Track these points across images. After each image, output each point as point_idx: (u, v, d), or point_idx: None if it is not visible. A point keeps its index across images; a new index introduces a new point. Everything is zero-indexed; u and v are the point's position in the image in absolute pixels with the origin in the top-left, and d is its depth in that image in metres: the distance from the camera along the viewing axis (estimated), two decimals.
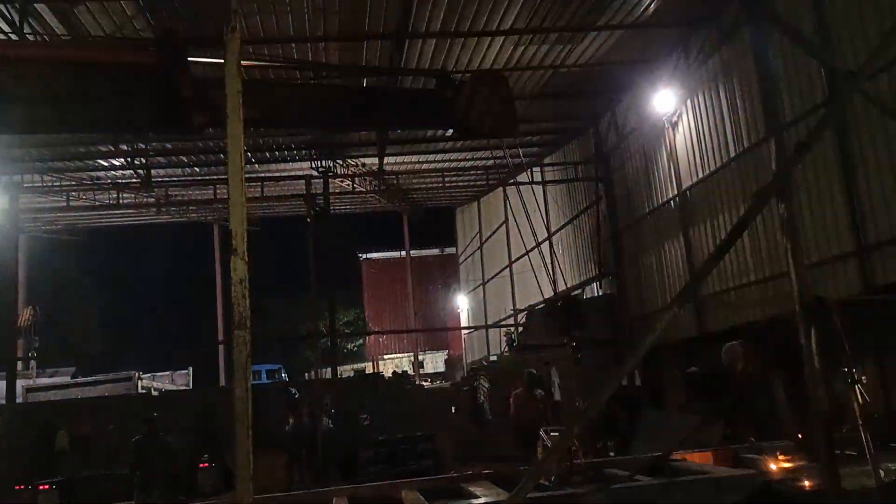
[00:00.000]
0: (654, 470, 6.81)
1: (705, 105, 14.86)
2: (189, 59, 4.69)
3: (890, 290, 9.93)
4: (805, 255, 7.88)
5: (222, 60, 4.23)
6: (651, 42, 15.29)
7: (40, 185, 19.96)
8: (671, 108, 15.89)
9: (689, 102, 15.42)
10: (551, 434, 6.97)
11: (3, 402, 18.99)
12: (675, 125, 16.04)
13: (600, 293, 20.53)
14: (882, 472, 4.77)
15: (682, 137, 15.79)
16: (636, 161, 18.20)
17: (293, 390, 13.17)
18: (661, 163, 16.75)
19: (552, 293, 23.16)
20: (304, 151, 20.27)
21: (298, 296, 36.44)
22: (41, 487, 14.51)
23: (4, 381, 19.23)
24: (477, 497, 6.02)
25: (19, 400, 19.53)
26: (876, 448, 5.38)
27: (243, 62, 4.30)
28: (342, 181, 22.13)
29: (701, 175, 15.03)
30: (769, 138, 12.22)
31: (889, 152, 9.96)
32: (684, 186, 15.69)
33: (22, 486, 14.83)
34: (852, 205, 10.71)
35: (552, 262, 23.35)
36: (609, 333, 19.22)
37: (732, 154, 13.84)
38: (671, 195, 16.29)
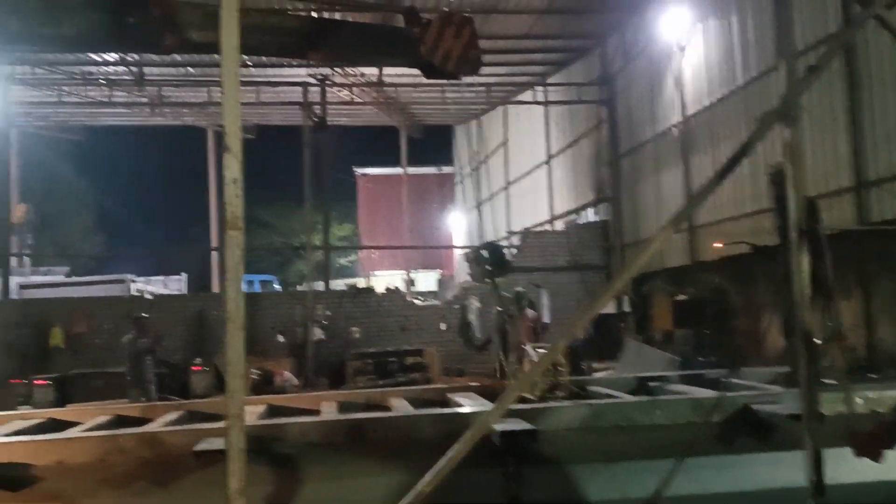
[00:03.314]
0: (636, 391, 7.00)
1: (715, 30, 14.49)
2: None
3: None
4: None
5: None
6: None
7: (31, 76, 19.47)
8: (681, 31, 15.48)
9: (699, 26, 15.02)
10: (538, 350, 7.10)
11: None
12: (683, 49, 15.65)
13: (596, 219, 20.53)
14: (861, 401, 4.89)
15: (690, 63, 15.46)
16: (641, 85, 17.86)
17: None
18: (667, 88, 16.44)
19: (549, 216, 23.20)
20: None
21: (293, 207, 36.32)
22: (37, 382, 14.80)
23: None
24: (462, 406, 6.16)
25: (13, 296, 19.69)
26: (856, 377, 5.52)
27: None
28: (340, 90, 21.65)
29: (706, 103, 14.79)
30: (778, 66, 12.07)
31: None
32: (688, 113, 15.46)
33: (18, 381, 15.12)
34: (855, 139, 10.61)
35: (550, 186, 23.29)
36: (601, 259, 19.38)
37: (740, 82, 13.59)
38: (674, 122, 16.07)
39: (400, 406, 6.43)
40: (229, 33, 4.54)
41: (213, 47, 5.10)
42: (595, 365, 13.57)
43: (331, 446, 4.91)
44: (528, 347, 7.27)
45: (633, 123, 18.26)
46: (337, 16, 15.85)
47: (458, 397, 6.72)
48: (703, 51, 14.96)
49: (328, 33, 5.80)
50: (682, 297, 14.11)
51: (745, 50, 13.42)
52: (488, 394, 6.83)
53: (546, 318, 16.03)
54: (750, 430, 4.44)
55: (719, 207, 13.71)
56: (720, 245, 13.21)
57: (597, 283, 18.50)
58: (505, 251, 8.95)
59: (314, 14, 14.30)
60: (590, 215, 21.10)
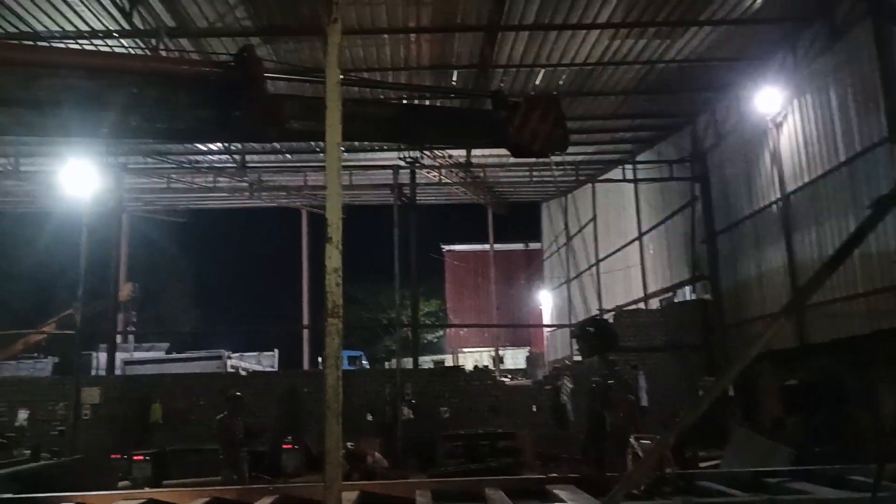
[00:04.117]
0: (749, 487, 6.48)
1: (813, 105, 14.08)
2: (266, 75, 4.92)
3: None
4: None
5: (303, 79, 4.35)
6: (755, 38, 14.64)
7: (143, 166, 20.86)
8: (776, 107, 15.15)
9: (795, 102, 14.66)
10: (641, 441, 6.73)
11: (104, 373, 20.05)
12: (779, 126, 15.27)
13: (692, 297, 19.83)
14: None
15: (787, 139, 15.03)
16: (735, 162, 17.45)
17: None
18: (763, 165, 15.99)
19: (642, 294, 22.59)
20: (392, 142, 20.43)
21: (380, 284, 36.94)
22: (136, 458, 15.21)
23: (105, 354, 20.28)
24: (563, 501, 5.84)
25: (118, 372, 20.55)
26: None
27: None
28: (429, 172, 22.18)
29: (806, 179, 14.26)
30: (885, 142, 11.55)
31: None
32: (788, 190, 14.92)
33: (118, 456, 15.58)
34: None
35: (642, 263, 22.77)
36: (700, 339, 18.58)
37: (842, 158, 13.05)
38: (773, 199, 15.54)
39: (497, 498, 6.17)
40: (332, 135, 4.69)
41: (313, 135, 5.32)
42: (701, 454, 12.79)
43: None
44: (631, 438, 6.90)
45: (729, 200, 17.77)
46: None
47: (557, 489, 6.41)
48: (800, 126, 14.53)
49: (419, 119, 5.99)
50: (792, 382, 13.25)
51: (847, 125, 12.94)
52: (589, 485, 6.49)
53: (644, 402, 15.37)
54: None
55: (829, 287, 12.98)
56: None
57: (696, 365, 17.70)
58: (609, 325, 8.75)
59: (405, 100, 15.00)
60: (686, 294, 20.41)
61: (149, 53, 13.09)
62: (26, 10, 12.83)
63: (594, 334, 8.76)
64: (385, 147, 20.59)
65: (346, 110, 5.06)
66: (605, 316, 23.79)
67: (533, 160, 22.74)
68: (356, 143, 20.00)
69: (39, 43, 12.94)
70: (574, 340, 9.14)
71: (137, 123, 4.86)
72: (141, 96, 4.69)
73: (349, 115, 5.31)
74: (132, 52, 13.51)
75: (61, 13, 12.95)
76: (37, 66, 4.56)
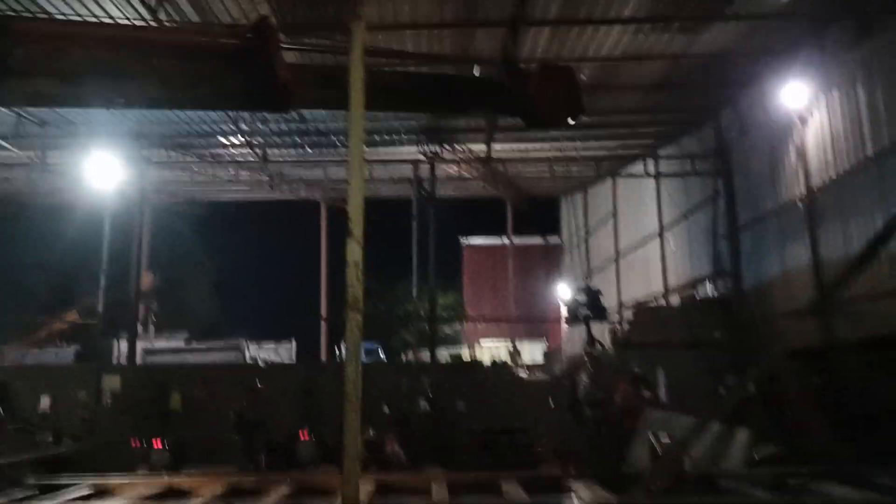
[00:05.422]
0: (771, 487, 6.39)
1: (840, 100, 13.86)
2: (280, 44, 4.97)
3: None
4: None
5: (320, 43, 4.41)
6: (782, 33, 14.39)
7: (166, 160, 21.03)
8: (801, 102, 14.92)
9: (821, 97, 14.44)
10: (661, 438, 6.67)
11: (125, 362, 20.28)
12: (804, 121, 15.05)
13: (714, 293, 19.62)
14: None
15: (813, 134, 14.81)
16: (759, 157, 17.22)
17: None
18: (788, 160, 15.77)
19: (662, 289, 22.41)
20: (412, 136, 20.40)
21: (397, 276, 36.94)
22: (155, 445, 15.39)
23: (126, 342, 20.50)
24: (580, 497, 5.81)
25: (138, 361, 20.76)
26: None
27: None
28: (448, 166, 22.13)
29: (833, 175, 14.05)
30: None
31: None
32: (813, 185, 14.71)
33: (138, 442, 15.77)
34: None
35: (663, 258, 22.57)
36: (722, 336, 18.35)
37: (870, 153, 12.85)
38: (798, 195, 15.32)
39: (513, 491, 6.16)
40: (355, 131, 4.68)
41: (331, 102, 5.31)
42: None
43: None
44: (650, 435, 6.84)
45: (753, 196, 17.55)
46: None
47: (574, 485, 6.37)
48: (827, 121, 14.31)
49: (436, 89, 5.99)
50: (816, 381, 13.04)
51: (876, 120, 12.72)
52: (607, 481, 6.45)
53: (663, 398, 15.23)
54: None
55: (855, 285, 12.75)
56: None
57: (718, 362, 17.49)
58: (601, 298, 8.67)
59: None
60: (707, 290, 20.20)
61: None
62: (54, 7, 12.90)
63: (583, 304, 8.78)
64: (405, 141, 20.57)
65: (365, 80, 5.08)
66: (624, 311, 23.67)
67: (553, 154, 22.68)
68: (376, 137, 20.01)
69: None
70: (565, 308, 9.09)
71: (157, 94, 4.93)
72: (161, 67, 4.74)
73: (367, 85, 5.36)
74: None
75: (87, 8, 13.02)
76: (61, 39, 4.64)
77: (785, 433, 13.34)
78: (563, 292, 35.16)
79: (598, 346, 9.57)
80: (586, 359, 9.41)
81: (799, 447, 11.70)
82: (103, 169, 18.74)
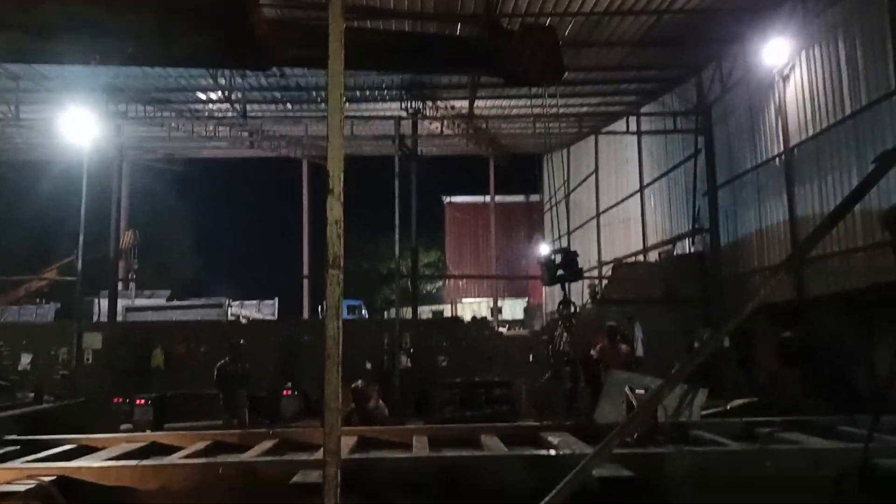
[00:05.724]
0: (741, 437, 6.60)
1: (821, 58, 13.88)
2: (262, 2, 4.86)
3: None
4: None
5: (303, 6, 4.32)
6: None
7: (143, 115, 20.70)
8: (782, 59, 14.92)
9: (802, 54, 14.44)
10: (636, 392, 6.83)
11: (106, 319, 20.26)
12: (785, 78, 15.07)
13: (692, 250, 19.86)
14: None
15: (793, 91, 14.85)
16: (740, 114, 17.28)
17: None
18: (768, 117, 15.84)
19: (642, 247, 22.64)
20: (394, 92, 20.20)
21: (379, 234, 36.98)
22: (138, 402, 15.48)
23: (107, 300, 20.46)
24: (557, 448, 5.95)
25: (119, 318, 20.75)
26: None
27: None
28: (431, 123, 21.98)
29: (811, 132, 14.15)
30: (893, 95, 11.43)
31: None
32: (792, 143, 14.82)
33: (120, 399, 15.86)
34: None
35: (643, 216, 22.75)
36: (698, 292, 18.66)
37: (848, 111, 12.94)
38: (776, 152, 15.44)
39: (492, 444, 6.29)
40: (335, 86, 4.65)
41: (312, 61, 5.29)
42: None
43: (422, 486, 4.84)
44: (626, 389, 7.00)
45: (732, 153, 17.66)
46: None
47: (551, 436, 6.52)
48: (806, 79, 14.36)
49: (417, 47, 5.97)
50: (788, 336, 13.36)
51: (854, 78, 12.79)
52: (582, 433, 6.61)
53: (640, 352, 15.54)
54: (870, 488, 4.09)
55: (828, 241, 12.98)
56: None
57: (694, 317, 17.82)
58: (578, 257, 8.79)
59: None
60: (686, 247, 20.45)
61: None
62: None
63: (557, 263, 8.89)
64: (387, 98, 20.37)
65: (345, 39, 5.02)
66: (604, 268, 23.90)
67: (535, 111, 22.56)
68: (357, 94, 19.79)
69: None
70: (540, 267, 9.18)
71: (134, 50, 4.85)
72: (138, 22, 4.66)
73: (347, 43, 5.31)
74: None
75: None
76: None
77: (758, 386, 13.75)
78: (543, 251, 35.41)
79: (573, 307, 9.65)
80: (560, 321, 9.54)
81: (771, 399, 12.07)
82: (79, 124, 18.41)
